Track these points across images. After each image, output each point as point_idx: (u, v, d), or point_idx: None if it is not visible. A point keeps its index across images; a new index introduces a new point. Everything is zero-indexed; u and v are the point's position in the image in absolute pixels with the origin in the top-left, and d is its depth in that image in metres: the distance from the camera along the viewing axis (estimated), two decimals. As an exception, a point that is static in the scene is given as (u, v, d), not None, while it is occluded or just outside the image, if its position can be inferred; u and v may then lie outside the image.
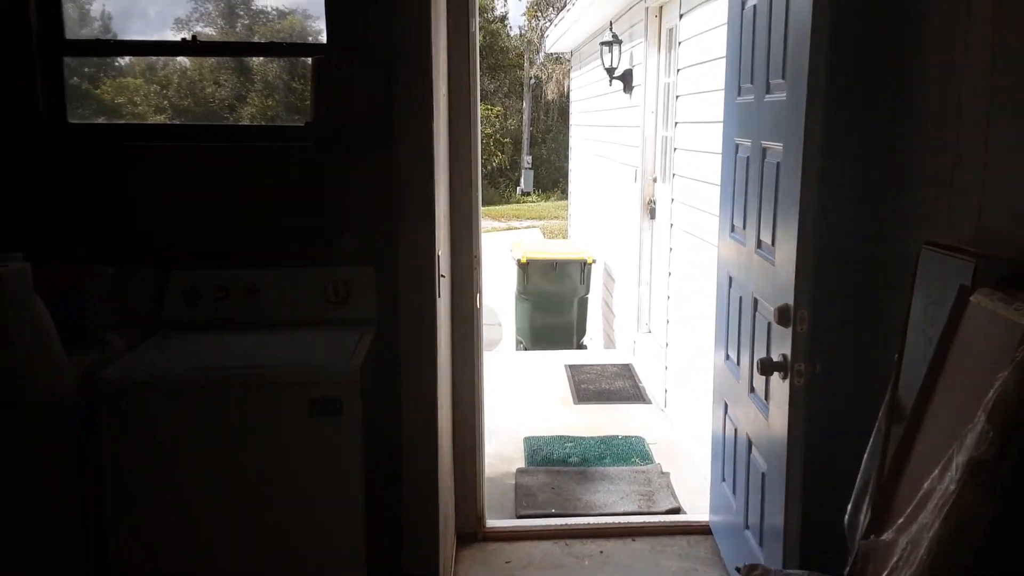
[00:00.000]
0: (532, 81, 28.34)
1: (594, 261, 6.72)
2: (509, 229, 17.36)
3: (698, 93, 3.99)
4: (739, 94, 2.80)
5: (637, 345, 5.63)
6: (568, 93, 30.49)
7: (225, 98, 6.37)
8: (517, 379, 5.31)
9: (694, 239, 4.11)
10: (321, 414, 2.11)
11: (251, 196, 2.62)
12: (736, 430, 2.74)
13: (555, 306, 6.85)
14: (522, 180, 26.49)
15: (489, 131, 24.45)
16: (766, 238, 2.40)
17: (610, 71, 5.92)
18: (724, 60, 3.07)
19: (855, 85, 2.21)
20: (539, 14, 27.59)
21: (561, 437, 4.28)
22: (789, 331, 2.15)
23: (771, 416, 2.31)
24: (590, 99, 8.21)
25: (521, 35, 28.44)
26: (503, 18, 28.68)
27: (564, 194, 25.17)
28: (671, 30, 5.01)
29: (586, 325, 7.03)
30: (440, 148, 2.53)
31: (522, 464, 3.94)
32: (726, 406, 2.89)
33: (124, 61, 4.03)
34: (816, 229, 2.11)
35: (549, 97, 28.69)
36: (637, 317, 5.72)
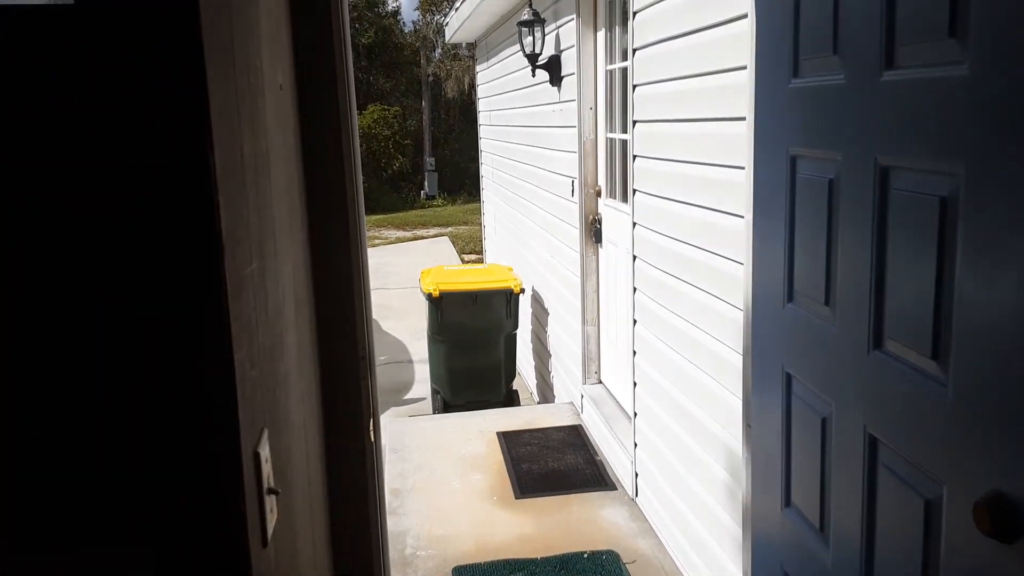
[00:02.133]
0: (430, 79, 27.01)
1: (522, 290, 5.55)
2: (416, 239, 16.02)
3: (674, 79, 2.86)
4: (795, 73, 1.67)
5: (586, 400, 4.49)
6: (473, 90, 29.36)
7: None
8: (436, 461, 4.07)
9: (674, 281, 2.98)
10: None
11: None
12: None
13: (478, 346, 5.64)
14: (426, 183, 25.16)
15: (388, 133, 22.99)
16: (917, 339, 1.27)
17: (532, 58, 4.75)
18: (726, 27, 1.94)
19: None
20: (433, 8, 26.28)
21: (506, 564, 3.08)
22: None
23: None
24: (504, 95, 7.02)
25: (416, 30, 27.04)
26: (395, 13, 27.20)
27: (471, 196, 23.94)
28: None
29: (515, 367, 5.84)
30: (275, 172, 1.31)
31: (455, 623, 2.72)
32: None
33: None
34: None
35: (449, 95, 27.43)
36: (583, 364, 4.58)
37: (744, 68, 2.09)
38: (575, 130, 4.39)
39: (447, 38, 9.28)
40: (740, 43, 2.16)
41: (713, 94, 2.44)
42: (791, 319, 1.73)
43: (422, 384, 6.74)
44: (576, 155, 4.40)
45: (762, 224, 1.85)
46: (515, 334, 5.76)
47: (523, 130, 6.02)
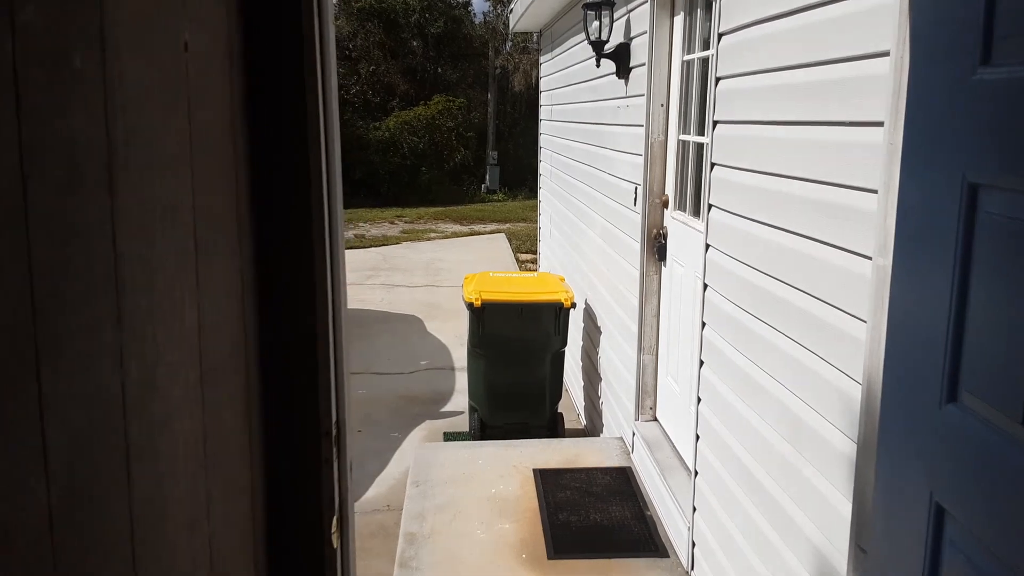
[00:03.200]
0: (497, 71, 26.58)
1: (573, 304, 4.99)
2: (472, 234, 15.58)
3: (771, 70, 2.27)
4: (985, 59, 1.08)
5: (637, 439, 3.92)
6: (536, 83, 28.92)
7: None
8: (462, 500, 3.57)
9: (757, 325, 2.39)
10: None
11: None
12: None
13: (521, 363, 5.12)
14: (487, 177, 24.76)
15: (451, 124, 22.62)
16: None
17: (597, 46, 4.18)
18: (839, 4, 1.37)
19: None
20: (504, 0, 25.81)
21: (529, 650, 2.55)
22: None
23: None
24: (565, 88, 6.47)
25: (486, 22, 26.60)
26: (466, 4, 26.81)
27: (532, 193, 23.45)
28: (696, -21, 3.30)
29: (561, 387, 5.30)
30: (162, 174, 0.80)
31: None
32: None
33: None
34: None
35: (516, 89, 26.95)
36: (636, 397, 4.01)
37: (884, 55, 1.51)
38: (642, 130, 3.82)
39: (511, 26, 8.76)
40: (877, 20, 1.57)
41: (829, 90, 1.85)
42: (953, 428, 1.15)
43: (463, 395, 6.25)
44: (642, 159, 3.83)
45: (908, 275, 1.27)
46: (563, 352, 5.22)
47: (584, 127, 5.45)
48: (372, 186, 20.13)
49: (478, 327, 5.04)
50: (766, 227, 2.32)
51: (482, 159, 24.75)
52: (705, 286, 2.89)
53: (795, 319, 2.07)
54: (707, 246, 2.86)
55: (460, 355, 7.23)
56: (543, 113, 8.01)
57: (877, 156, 1.54)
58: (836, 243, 1.79)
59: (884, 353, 1.39)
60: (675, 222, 3.64)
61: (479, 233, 15.71)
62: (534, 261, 11.63)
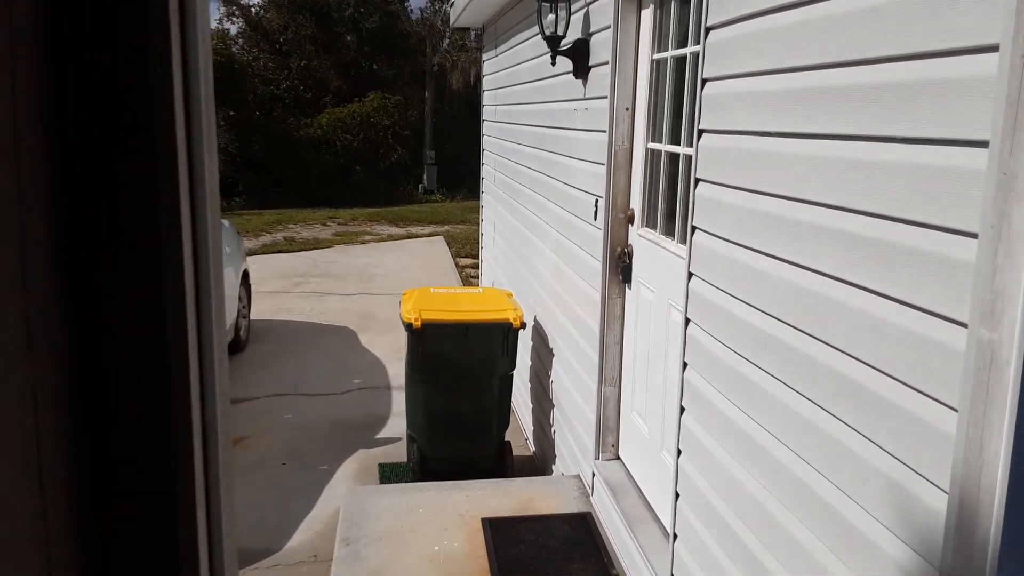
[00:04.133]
0: (435, 69, 26.02)
1: (523, 324, 4.56)
2: (409, 236, 15.02)
3: (787, 71, 1.86)
4: None
5: (598, 481, 3.51)
6: (476, 81, 28.52)
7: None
8: (400, 562, 3.08)
9: (762, 377, 2.00)
10: None
11: None
12: None
13: (465, 389, 4.66)
14: (424, 177, 24.18)
15: (388, 122, 21.95)
16: None
17: (553, 41, 3.75)
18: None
19: None
20: (443, -5, 25.31)
21: None
22: None
23: None
24: (512, 88, 6.03)
25: (423, 18, 25.98)
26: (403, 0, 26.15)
27: (471, 193, 22.94)
28: (671, -33, 2.90)
29: (509, 414, 4.86)
30: None
31: None
32: None
33: None
34: None
35: (455, 87, 26.43)
36: (597, 433, 3.60)
37: (990, 50, 1.11)
38: (604, 136, 3.41)
39: (452, 22, 8.28)
40: (963, 2, 1.17)
41: (888, 95, 1.45)
42: None
43: (400, 418, 5.74)
44: (604, 168, 3.41)
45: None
46: (511, 375, 4.78)
47: (534, 131, 5.02)
48: (303, 186, 19.31)
49: (417, 349, 4.56)
50: (774, 260, 1.92)
51: (419, 158, 24.15)
52: (687, 320, 2.48)
53: (825, 382, 1.68)
54: (690, 274, 2.46)
55: (397, 371, 6.72)
56: (486, 113, 7.56)
57: (975, 187, 1.14)
58: (899, 297, 1.39)
59: (1008, 464, 0.99)
60: (643, 240, 3.24)
61: (416, 236, 15.16)
62: (475, 266, 11.17)
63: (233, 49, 22.08)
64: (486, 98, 7.57)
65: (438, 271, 11.43)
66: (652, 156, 3.18)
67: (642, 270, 3.24)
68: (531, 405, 5.30)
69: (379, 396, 6.32)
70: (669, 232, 2.98)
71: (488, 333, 4.59)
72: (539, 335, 4.99)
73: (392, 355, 7.23)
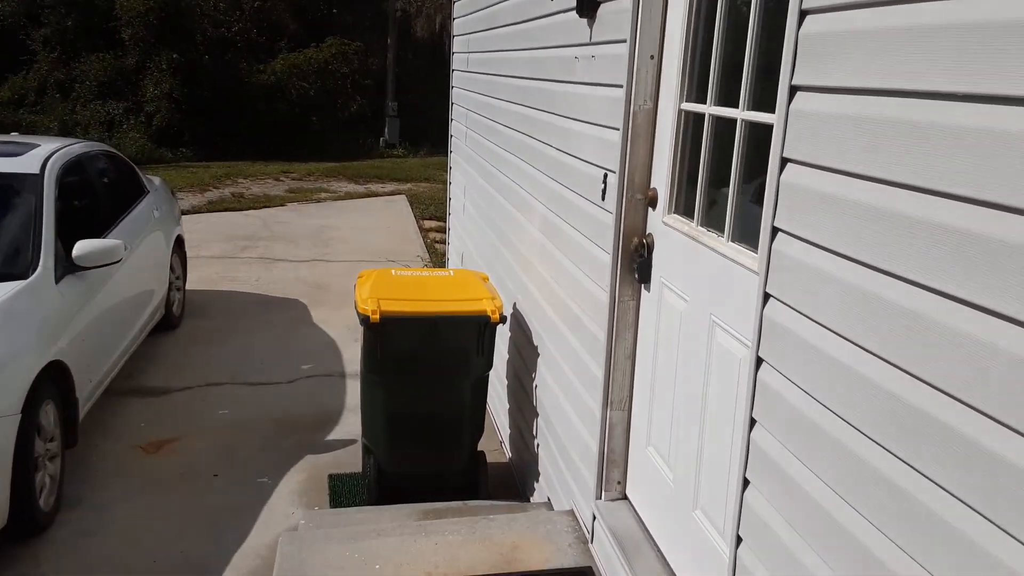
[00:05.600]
0: (399, 15, 24.66)
1: (503, 318, 3.80)
2: (369, 195, 14.07)
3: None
4: None
5: (599, 525, 2.80)
6: (441, 28, 27.18)
7: None
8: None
9: (901, 471, 1.28)
10: None
11: None
12: None
13: (432, 394, 3.91)
14: (386, 130, 23.03)
15: (346, 71, 20.69)
16: None
17: (552, -32, 2.94)
18: None
19: None
20: (407, -65, 23.92)
21: None
22: None
23: None
24: (489, 33, 5.17)
25: (386, -41, 24.49)
26: (365, -62, 24.58)
27: (435, 148, 21.83)
28: None
29: (483, 421, 4.13)
30: None
31: None
32: None
33: None
34: None
35: (419, 35, 25.14)
36: (600, 466, 2.88)
37: None
38: (620, 93, 2.62)
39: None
40: None
41: None
42: None
43: (355, 414, 4.97)
44: (618, 134, 2.64)
45: None
46: (487, 376, 4.04)
47: (519, 84, 4.20)
48: (255, 137, 18.09)
49: (376, 347, 3.78)
50: (926, 293, 1.19)
51: (381, 110, 22.95)
52: (758, 361, 1.75)
53: (1007, 485, 0.96)
54: (766, 296, 1.72)
55: (352, 355, 5.94)
56: (456, 62, 6.67)
57: None
58: None
59: None
60: (671, 231, 2.48)
61: (377, 194, 14.20)
62: (441, 230, 10.33)
63: (180, -13, 20.47)
64: (456, 44, 6.67)
65: (400, 235, 10.56)
66: (688, 121, 2.40)
67: (668, 269, 2.50)
68: (507, 405, 4.58)
69: (332, 386, 5.54)
70: (715, 225, 2.23)
71: (461, 328, 3.82)
72: (520, 326, 4.24)
73: (347, 335, 6.43)
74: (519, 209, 4.21)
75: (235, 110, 18.11)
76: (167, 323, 6.28)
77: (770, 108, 1.78)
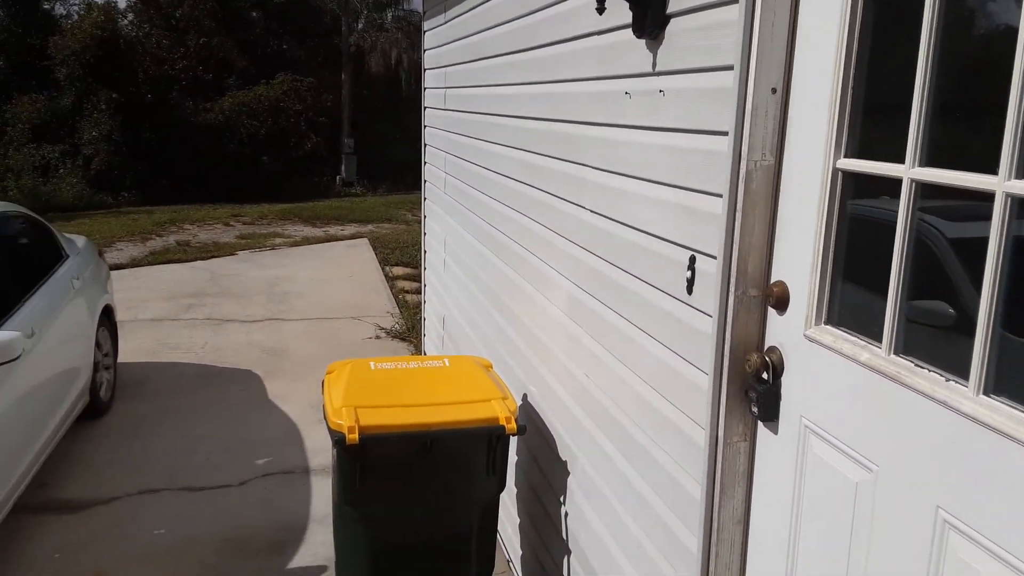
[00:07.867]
0: (352, 50, 23.92)
1: (520, 428, 2.91)
2: (328, 239, 13.10)
3: None
4: None
5: None
6: (400, 66, 26.35)
7: None
8: None
9: None
10: None
11: None
12: None
13: (427, 529, 2.99)
14: (343, 168, 22.14)
15: (299, 108, 19.79)
16: None
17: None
18: None
19: None
20: (360, -31, 23.31)
21: None
22: None
23: None
24: (479, 64, 4.35)
25: (339, -6, 23.78)
26: (316, -28, 23.88)
27: (395, 185, 20.91)
28: None
29: (494, 553, 3.22)
30: None
31: None
32: None
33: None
34: None
35: (374, 70, 24.41)
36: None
37: None
38: (719, 142, 1.80)
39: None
40: None
41: None
42: None
43: (323, 528, 4.03)
44: (716, 202, 1.81)
45: None
46: (498, 499, 3.14)
47: (524, 126, 3.36)
48: (202, 179, 16.99)
49: (353, 474, 2.86)
50: None
51: (337, 147, 22.06)
52: None
53: None
54: None
55: (317, 443, 4.98)
56: (429, 99, 5.84)
57: None
58: None
59: None
60: (825, 353, 1.64)
61: (336, 238, 13.24)
62: (412, 279, 9.42)
63: (121, 23, 19.40)
64: (429, 79, 5.85)
65: (366, 286, 9.61)
66: (848, 183, 1.58)
67: (820, 408, 1.65)
68: (518, 519, 3.67)
69: (292, 487, 4.56)
70: (939, 360, 1.39)
71: (466, 443, 2.93)
72: (535, 424, 3.35)
73: (310, 413, 5.47)
74: (530, 280, 3.36)
75: (180, 151, 17.03)
76: (93, 410, 5.25)
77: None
